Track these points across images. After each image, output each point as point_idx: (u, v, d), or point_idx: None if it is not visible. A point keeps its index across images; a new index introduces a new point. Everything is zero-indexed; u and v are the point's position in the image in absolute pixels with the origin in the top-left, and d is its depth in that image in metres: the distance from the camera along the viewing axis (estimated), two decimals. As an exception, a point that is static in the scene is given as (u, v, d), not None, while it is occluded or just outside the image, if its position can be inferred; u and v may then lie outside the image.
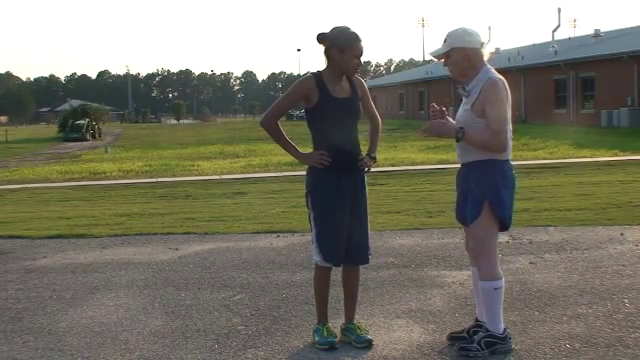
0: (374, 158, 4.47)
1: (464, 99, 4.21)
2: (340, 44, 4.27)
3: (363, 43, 4.32)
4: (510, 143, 4.15)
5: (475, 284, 4.38)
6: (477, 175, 4.13)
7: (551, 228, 8.06)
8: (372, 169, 4.59)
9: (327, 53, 4.34)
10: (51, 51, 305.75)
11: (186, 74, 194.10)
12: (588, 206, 9.58)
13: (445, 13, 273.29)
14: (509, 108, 4.12)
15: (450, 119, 4.35)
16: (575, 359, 4.05)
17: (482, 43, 4.18)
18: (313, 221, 4.39)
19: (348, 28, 4.33)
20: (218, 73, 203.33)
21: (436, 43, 4.30)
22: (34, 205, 12.19)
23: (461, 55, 4.13)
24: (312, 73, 4.44)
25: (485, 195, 4.09)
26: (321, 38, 4.34)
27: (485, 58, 4.19)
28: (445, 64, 4.26)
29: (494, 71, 4.16)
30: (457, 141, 4.12)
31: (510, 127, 4.14)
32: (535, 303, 5.13)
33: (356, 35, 4.30)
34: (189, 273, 6.41)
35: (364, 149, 4.48)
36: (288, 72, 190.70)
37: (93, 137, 46.09)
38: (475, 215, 4.12)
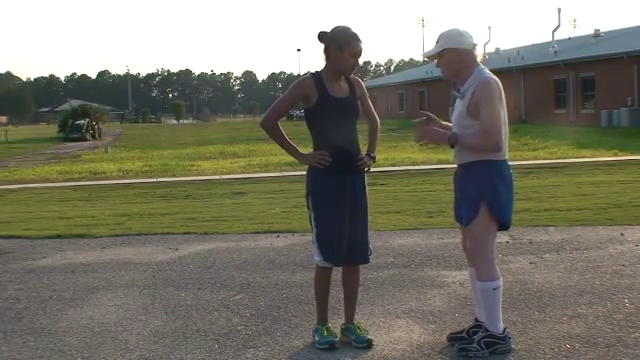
0: (374, 158, 4.48)
1: (458, 101, 4.21)
2: (339, 42, 4.28)
3: (363, 44, 4.32)
4: (506, 143, 4.15)
5: (473, 284, 4.37)
6: (474, 176, 4.13)
7: (551, 228, 8.05)
8: (372, 169, 4.60)
9: (326, 51, 4.34)
10: (51, 51, 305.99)
11: (186, 74, 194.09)
12: (588, 206, 9.58)
13: (445, 13, 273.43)
14: (504, 108, 4.11)
15: (442, 122, 4.35)
16: (575, 359, 4.05)
17: (474, 44, 4.18)
18: (313, 221, 4.40)
19: (349, 28, 4.34)
20: (218, 73, 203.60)
21: (430, 46, 4.30)
22: (34, 205, 12.19)
23: (453, 56, 4.14)
24: (311, 73, 4.44)
25: (482, 196, 4.09)
26: (322, 36, 4.35)
27: (478, 59, 4.19)
28: (437, 65, 4.27)
29: (488, 71, 4.15)
30: (451, 147, 4.13)
31: (506, 127, 4.14)
32: (535, 303, 5.13)
33: (356, 35, 4.31)
34: (189, 273, 6.41)
35: (364, 149, 4.48)
36: (288, 72, 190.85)
37: (93, 137, 46.12)
38: (472, 216, 4.12)
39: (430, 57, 4.28)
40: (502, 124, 4.06)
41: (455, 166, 4.36)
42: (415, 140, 4.34)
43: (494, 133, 4.00)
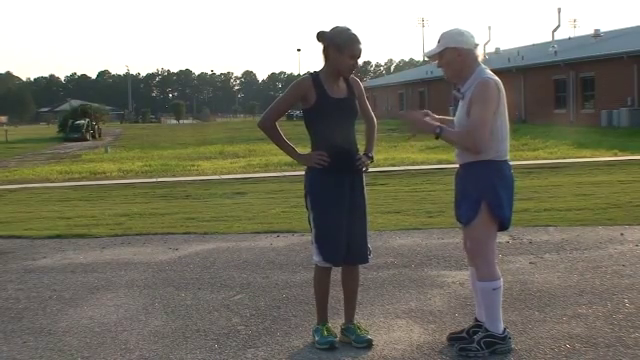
0: (371, 157, 4.48)
1: (460, 102, 4.21)
2: (338, 43, 4.28)
3: (362, 45, 4.32)
4: (507, 144, 4.14)
5: (473, 284, 4.37)
6: (474, 176, 4.13)
7: (551, 228, 8.05)
8: (371, 169, 4.60)
9: (325, 52, 4.34)
10: (51, 51, 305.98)
11: (186, 74, 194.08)
12: (588, 206, 9.58)
13: (445, 13, 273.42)
14: (504, 109, 4.10)
15: (434, 115, 4.33)
16: (575, 359, 4.05)
17: (476, 44, 4.17)
18: (312, 222, 4.40)
19: (349, 29, 4.34)
20: (218, 73, 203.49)
21: (432, 45, 4.30)
22: (34, 205, 12.19)
23: (454, 55, 4.13)
24: (309, 73, 4.45)
25: (482, 196, 4.08)
26: (321, 36, 4.35)
27: (479, 59, 4.18)
28: (439, 65, 4.26)
29: (489, 71, 4.14)
30: (436, 138, 4.12)
31: (507, 128, 4.14)
32: (535, 303, 5.13)
33: (355, 36, 4.31)
34: (189, 273, 6.41)
35: (362, 149, 4.48)
36: (288, 72, 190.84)
37: (93, 137, 46.10)
38: (472, 216, 4.12)
39: (431, 57, 4.27)
40: (486, 127, 4.01)
41: (457, 166, 4.35)
42: (403, 123, 4.29)
43: (475, 134, 3.98)
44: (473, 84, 4.08)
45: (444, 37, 4.17)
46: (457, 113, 4.24)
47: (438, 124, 4.12)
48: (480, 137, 3.98)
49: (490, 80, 4.06)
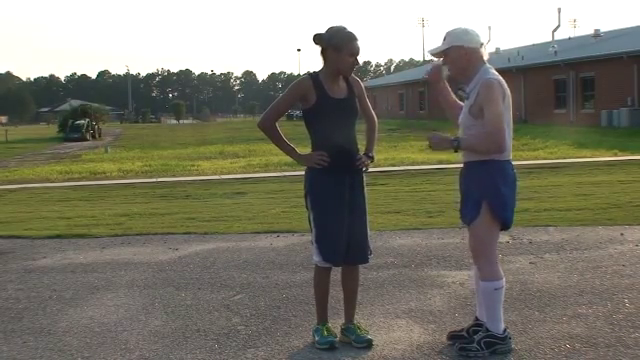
0: (372, 157, 4.48)
1: (465, 101, 4.21)
2: (336, 43, 4.28)
3: (359, 43, 4.33)
4: (510, 143, 4.15)
5: (477, 283, 4.37)
6: (477, 175, 4.13)
7: (551, 228, 8.05)
8: (371, 169, 4.60)
9: (323, 53, 4.34)
10: (51, 51, 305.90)
11: (186, 74, 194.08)
12: (588, 206, 9.58)
13: (445, 13, 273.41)
14: (508, 108, 4.11)
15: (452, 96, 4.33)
16: (575, 359, 4.05)
17: (481, 43, 4.18)
18: (312, 222, 4.39)
19: (344, 28, 4.34)
20: (218, 73, 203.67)
21: (436, 43, 4.31)
22: (34, 205, 12.19)
23: (459, 53, 4.13)
24: (309, 74, 4.45)
25: (484, 195, 4.08)
26: (317, 38, 4.34)
27: (485, 58, 4.19)
28: (444, 63, 4.27)
29: (493, 71, 4.14)
30: (455, 151, 4.12)
31: (511, 127, 4.14)
32: (535, 303, 5.13)
33: (352, 34, 4.31)
34: (189, 273, 6.41)
35: (362, 149, 4.48)
36: (288, 72, 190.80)
37: (93, 137, 46.11)
38: (474, 216, 4.12)
39: (436, 54, 4.28)
40: (505, 125, 4.04)
41: (457, 166, 4.35)
42: (428, 143, 4.28)
43: (496, 134, 3.99)
44: (477, 84, 4.09)
45: (450, 35, 4.18)
46: (462, 112, 4.24)
47: (454, 137, 4.12)
48: (501, 136, 3.99)
49: (493, 80, 4.06)
